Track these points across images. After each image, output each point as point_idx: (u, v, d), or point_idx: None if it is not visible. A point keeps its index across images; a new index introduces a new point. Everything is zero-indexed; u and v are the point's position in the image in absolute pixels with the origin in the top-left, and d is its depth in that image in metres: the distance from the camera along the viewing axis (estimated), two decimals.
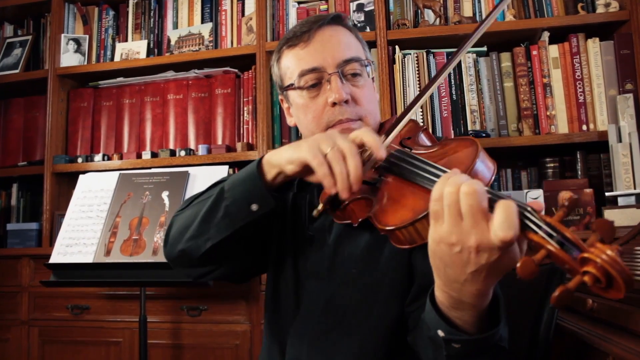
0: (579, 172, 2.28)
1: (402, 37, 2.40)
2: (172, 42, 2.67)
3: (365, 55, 1.21)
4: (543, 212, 0.67)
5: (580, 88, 2.27)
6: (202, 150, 2.54)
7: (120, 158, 2.59)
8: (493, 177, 0.92)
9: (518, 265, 0.61)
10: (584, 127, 2.25)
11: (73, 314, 2.38)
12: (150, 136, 2.66)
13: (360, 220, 1.00)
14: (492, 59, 2.38)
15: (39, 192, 2.67)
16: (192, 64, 2.61)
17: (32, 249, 2.51)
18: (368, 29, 2.46)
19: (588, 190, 2.15)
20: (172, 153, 2.56)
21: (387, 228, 0.86)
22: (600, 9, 2.28)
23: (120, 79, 2.68)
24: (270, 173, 1.00)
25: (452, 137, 2.31)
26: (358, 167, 0.89)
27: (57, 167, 2.59)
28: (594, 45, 2.27)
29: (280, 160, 0.98)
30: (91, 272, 2.03)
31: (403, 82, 2.39)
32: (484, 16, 2.45)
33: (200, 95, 2.64)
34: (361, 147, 0.93)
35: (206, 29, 2.65)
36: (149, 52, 2.69)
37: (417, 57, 2.40)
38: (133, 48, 2.69)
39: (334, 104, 1.11)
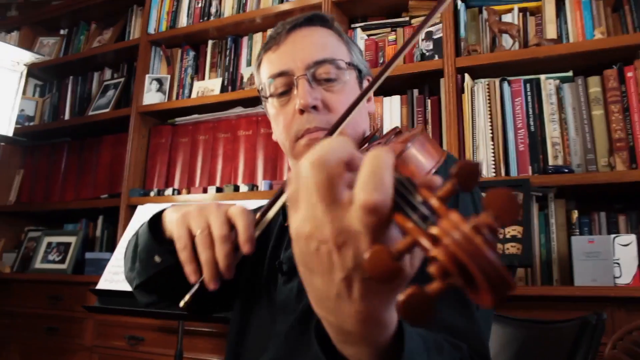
0: None
1: (472, 64, 2.18)
2: (245, 79, 2.70)
3: (350, 58, 1.06)
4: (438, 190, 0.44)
5: None
6: (264, 185, 2.49)
7: (188, 192, 2.62)
8: (434, 169, 0.71)
9: (366, 255, 0.40)
10: None
11: (129, 344, 2.40)
12: (220, 172, 2.67)
13: None
14: (578, 85, 2.06)
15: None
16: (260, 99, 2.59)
17: None
18: (436, 57, 2.28)
19: None
20: (236, 188, 2.54)
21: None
22: None
23: (195, 115, 2.75)
24: (166, 228, 0.90)
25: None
26: (227, 256, 0.74)
27: (132, 200, 2.69)
28: None
29: (166, 223, 0.89)
30: (131, 300, 2.02)
31: (472, 113, 2.16)
32: (571, 38, 2.16)
33: (269, 131, 2.60)
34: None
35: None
36: (223, 89, 2.74)
37: (487, 85, 2.16)
38: (208, 86, 2.76)
39: (302, 111, 0.98)
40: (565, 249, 1.94)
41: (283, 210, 1.13)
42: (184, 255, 0.78)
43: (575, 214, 1.99)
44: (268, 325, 0.99)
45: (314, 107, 0.98)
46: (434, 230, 0.38)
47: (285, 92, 1.01)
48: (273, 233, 1.15)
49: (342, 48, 1.06)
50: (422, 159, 0.71)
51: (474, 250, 0.36)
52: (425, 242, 0.39)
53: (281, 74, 1.01)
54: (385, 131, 2.27)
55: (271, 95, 1.03)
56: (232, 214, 0.78)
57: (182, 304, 0.79)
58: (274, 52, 1.04)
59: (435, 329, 0.68)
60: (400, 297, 0.38)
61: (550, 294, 1.75)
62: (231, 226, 0.77)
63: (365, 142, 1.01)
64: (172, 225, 0.83)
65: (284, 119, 1.02)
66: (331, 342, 0.54)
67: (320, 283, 0.49)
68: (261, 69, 1.08)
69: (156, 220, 0.93)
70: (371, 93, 1.15)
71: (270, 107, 1.06)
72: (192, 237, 0.78)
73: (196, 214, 0.79)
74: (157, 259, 0.89)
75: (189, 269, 0.77)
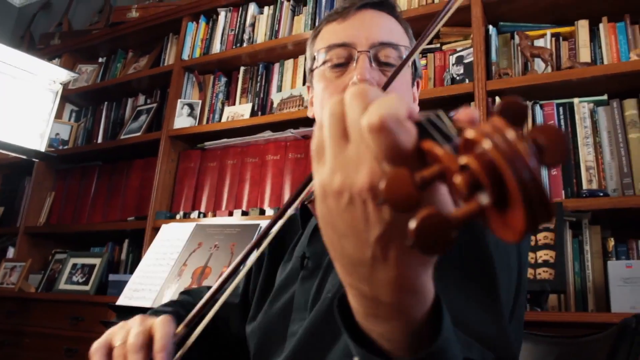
0: None
1: (504, 87, 2.14)
2: (275, 105, 2.71)
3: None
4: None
5: None
6: (291, 210, 2.46)
7: (214, 216, 2.61)
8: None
9: (386, 175, 0.35)
10: None
11: None
12: (247, 196, 2.65)
13: None
14: (613, 108, 2.00)
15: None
16: (289, 123, 2.60)
17: None
18: (467, 81, 2.25)
19: None
20: (262, 212, 2.52)
21: None
22: None
23: (224, 140, 2.76)
24: None
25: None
26: None
27: (157, 223, 2.68)
28: None
29: None
30: None
31: None
32: (605, 61, 2.11)
33: (297, 156, 2.60)
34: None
35: (306, 90, 2.65)
36: (253, 114, 2.75)
37: None
38: (238, 111, 2.78)
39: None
40: (601, 278, 1.83)
41: (302, 209, 1.10)
42: None
43: (611, 242, 1.90)
44: (280, 326, 0.94)
45: None
46: (470, 134, 0.34)
47: (341, 65, 0.99)
48: (295, 233, 1.11)
49: (406, 40, 1.05)
50: None
51: (514, 156, 0.31)
52: (455, 167, 0.34)
53: (343, 45, 0.99)
54: None
55: (325, 62, 1.00)
56: (153, 324, 0.77)
57: None
58: (339, 24, 1.03)
59: (464, 335, 0.62)
60: (418, 216, 0.33)
61: (585, 321, 1.65)
62: (150, 337, 0.75)
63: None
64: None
65: (332, 91, 0.98)
66: (357, 327, 0.48)
67: (353, 246, 0.43)
68: (317, 39, 1.07)
69: None
70: (417, 94, 1.13)
71: (319, 77, 1.02)
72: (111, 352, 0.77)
73: (118, 328, 0.79)
74: None
75: None
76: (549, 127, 0.34)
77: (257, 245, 0.76)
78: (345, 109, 0.42)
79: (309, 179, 0.68)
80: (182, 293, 1.25)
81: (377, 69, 0.96)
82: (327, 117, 0.43)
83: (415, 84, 1.10)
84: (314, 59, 1.06)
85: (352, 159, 0.40)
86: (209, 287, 1.22)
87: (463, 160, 0.33)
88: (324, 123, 0.44)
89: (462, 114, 0.39)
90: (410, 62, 1.02)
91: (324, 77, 1.01)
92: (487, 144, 0.32)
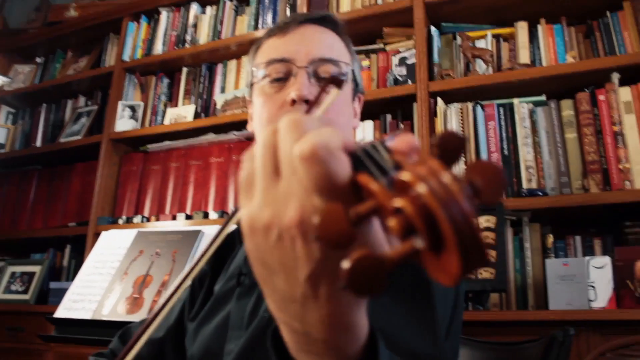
0: None
1: (446, 88, 2.16)
2: (218, 106, 2.66)
3: (351, 66, 1.03)
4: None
5: None
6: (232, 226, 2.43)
7: (157, 220, 2.55)
8: None
9: (319, 211, 0.34)
10: None
11: None
12: (191, 199, 2.60)
13: None
14: (551, 108, 2.04)
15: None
16: (233, 125, 2.56)
17: None
18: (409, 82, 2.26)
19: None
20: (205, 215, 2.47)
21: None
22: None
23: (167, 142, 2.70)
24: None
25: None
26: None
27: (99, 228, 2.60)
28: None
29: None
30: (89, 329, 1.92)
31: None
32: (543, 62, 2.15)
33: (241, 158, 2.56)
34: None
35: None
36: (196, 116, 2.70)
37: (461, 109, 2.14)
38: (181, 113, 2.72)
39: (294, 102, 0.92)
40: (541, 274, 1.88)
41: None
42: None
43: (550, 238, 1.94)
44: (216, 344, 0.92)
45: (307, 102, 0.91)
46: (402, 175, 0.33)
47: (280, 80, 0.96)
48: (233, 249, 1.09)
49: (347, 56, 1.03)
50: None
51: (449, 201, 0.30)
52: (390, 204, 0.33)
53: (282, 61, 0.96)
54: None
55: (264, 77, 0.97)
56: None
57: None
58: (279, 38, 1.00)
59: (401, 355, 0.61)
60: (351, 257, 0.32)
61: (524, 319, 1.68)
62: None
63: None
64: None
65: (270, 107, 0.95)
66: (289, 354, 0.46)
67: (283, 283, 0.41)
68: (258, 54, 1.03)
69: None
70: (359, 109, 1.11)
71: (259, 92, 0.99)
72: None
73: None
74: None
75: None
76: (486, 166, 0.33)
77: (188, 275, 0.72)
78: (279, 141, 0.40)
79: None
80: (119, 336, 1.18)
81: (317, 84, 0.94)
82: (259, 148, 0.42)
83: (357, 99, 1.09)
84: (253, 73, 1.03)
85: (282, 194, 0.39)
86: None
87: (398, 202, 0.32)
88: (255, 154, 0.42)
89: (400, 142, 0.38)
90: (349, 77, 1.01)
91: (263, 92, 0.98)
92: (421, 188, 0.31)
